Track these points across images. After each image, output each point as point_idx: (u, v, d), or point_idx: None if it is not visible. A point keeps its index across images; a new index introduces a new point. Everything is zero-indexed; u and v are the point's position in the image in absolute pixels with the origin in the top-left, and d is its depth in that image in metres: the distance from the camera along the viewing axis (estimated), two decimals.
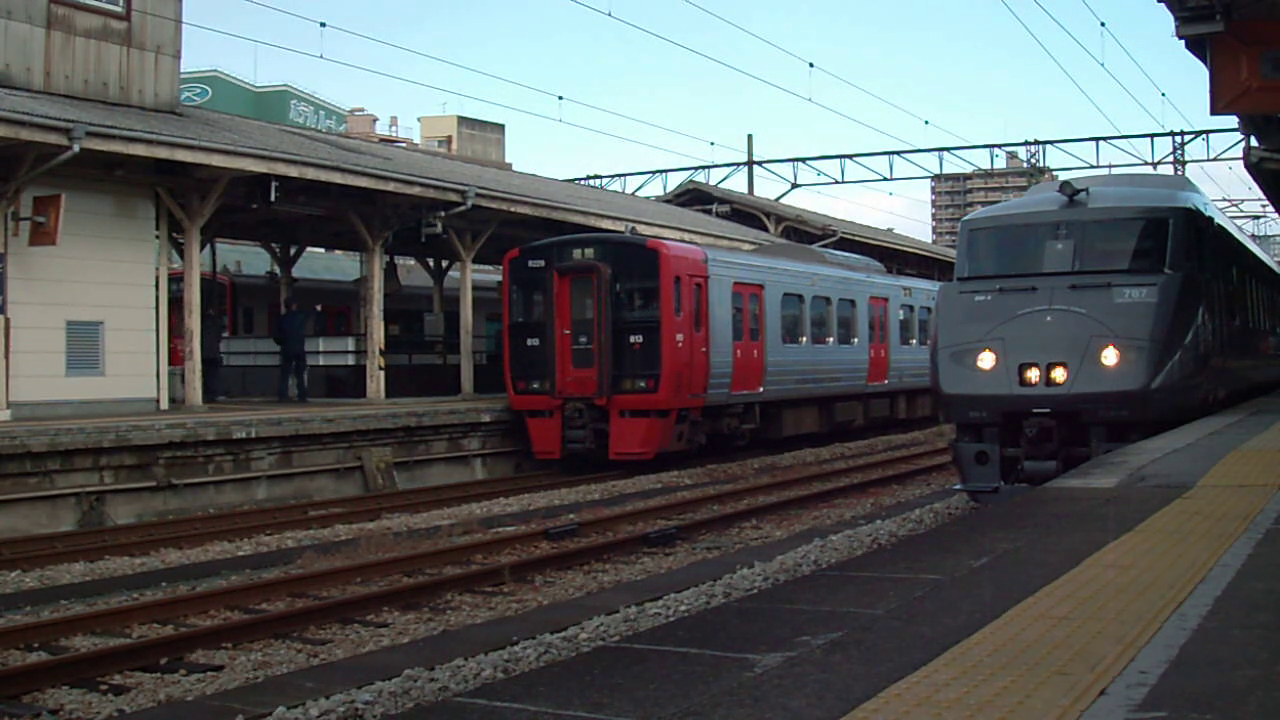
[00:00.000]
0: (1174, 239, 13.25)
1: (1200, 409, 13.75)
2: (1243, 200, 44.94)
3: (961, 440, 13.30)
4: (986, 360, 12.79)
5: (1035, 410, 12.47)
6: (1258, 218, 42.63)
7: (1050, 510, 6.43)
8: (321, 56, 76.36)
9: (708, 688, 3.23)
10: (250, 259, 33.98)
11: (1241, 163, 21.22)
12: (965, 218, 15.23)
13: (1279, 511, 6.18)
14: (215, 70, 58.00)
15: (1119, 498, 6.93)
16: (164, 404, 20.40)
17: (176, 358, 21.86)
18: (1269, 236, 51.45)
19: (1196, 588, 4.36)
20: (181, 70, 22.18)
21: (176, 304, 21.35)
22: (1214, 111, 12.93)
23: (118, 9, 20.38)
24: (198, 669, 8.61)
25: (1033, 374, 12.53)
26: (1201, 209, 14.42)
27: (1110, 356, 12.32)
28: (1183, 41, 12.19)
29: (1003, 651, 3.53)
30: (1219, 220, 16.35)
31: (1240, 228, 29.17)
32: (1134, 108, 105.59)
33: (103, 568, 12.64)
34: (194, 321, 20.74)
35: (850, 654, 3.53)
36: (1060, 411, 12.41)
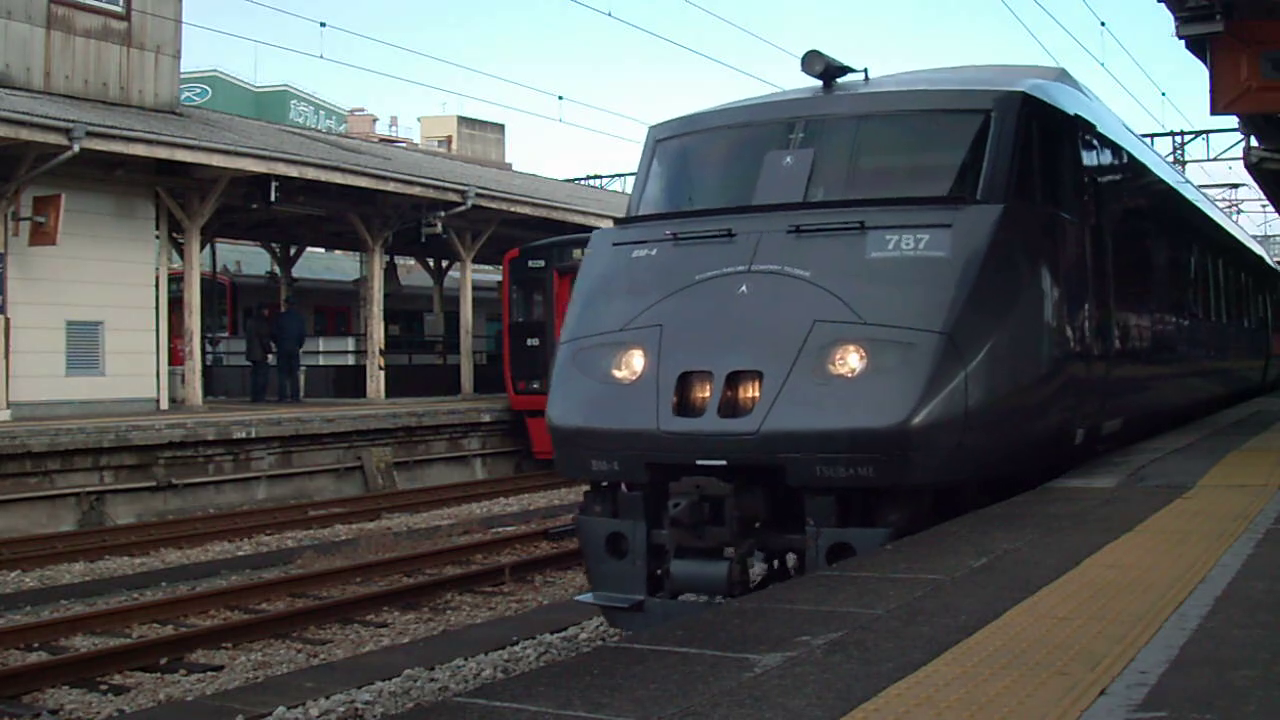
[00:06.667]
0: (996, 148, 7.52)
1: (1052, 454, 7.91)
2: (1243, 200, 44.77)
3: (590, 510, 7.56)
4: (629, 366, 7.23)
5: (702, 462, 6.75)
6: (1237, 191, 40.98)
7: (1050, 510, 6.43)
8: (321, 56, 76.33)
9: (708, 688, 3.23)
10: (250, 259, 34.01)
11: (1241, 163, 21.20)
12: (654, 124, 9.02)
13: (1279, 511, 6.18)
14: (215, 70, 57.96)
15: (1119, 498, 6.93)
16: (164, 404, 20.42)
17: (177, 358, 21.88)
18: (1270, 236, 51.39)
19: (1196, 588, 4.36)
20: (181, 70, 22.21)
21: (176, 304, 21.37)
22: (1214, 111, 12.90)
23: (118, 9, 20.39)
24: (198, 669, 8.61)
25: (703, 393, 6.88)
26: (1058, 106, 8.45)
27: (848, 362, 6.68)
28: (1183, 41, 12.19)
29: (1003, 651, 3.53)
30: (1117, 138, 10.30)
31: (1185, 178, 21.39)
32: (1134, 108, 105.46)
33: (103, 568, 12.66)
34: (194, 321, 20.75)
35: (850, 654, 3.53)
36: (746, 466, 6.70)
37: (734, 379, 6.84)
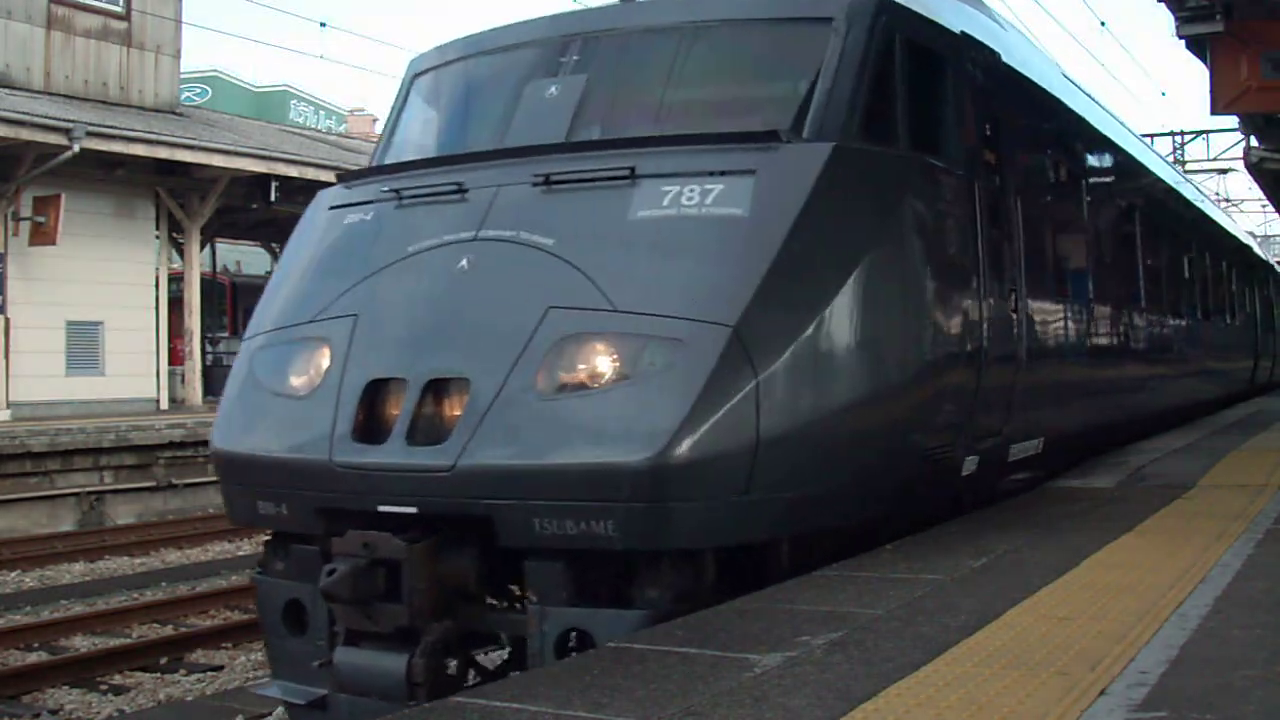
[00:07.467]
0: (835, 69, 5.49)
1: (922, 491, 5.96)
2: (1243, 200, 44.72)
3: (269, 569, 5.56)
4: (313, 370, 5.32)
5: (385, 509, 4.84)
6: (1227, 177, 40.04)
7: (1050, 510, 6.44)
8: (321, 57, 76.20)
9: (708, 688, 3.24)
10: (250, 259, 34.03)
11: (1242, 163, 21.20)
12: (415, 55, 7.09)
13: (1279, 511, 6.18)
14: (215, 70, 57.94)
15: (1119, 498, 6.93)
16: (164, 404, 20.43)
17: (176, 358, 21.89)
18: (1270, 236, 51.38)
19: (1196, 588, 4.37)
20: (181, 70, 22.24)
21: (176, 304, 21.38)
22: (1214, 111, 12.91)
23: (118, 9, 20.40)
24: (198, 669, 8.61)
25: (396, 409, 4.96)
26: (937, 20, 6.34)
27: (590, 366, 4.77)
28: (1183, 41, 12.19)
29: (1003, 651, 3.53)
30: (1037, 76, 8.09)
31: (1176, 169, 18.94)
32: (1134, 108, 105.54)
33: (103, 568, 12.66)
34: (194, 321, 20.77)
35: (850, 654, 3.53)
36: (441, 515, 4.80)
37: (438, 390, 4.89)
